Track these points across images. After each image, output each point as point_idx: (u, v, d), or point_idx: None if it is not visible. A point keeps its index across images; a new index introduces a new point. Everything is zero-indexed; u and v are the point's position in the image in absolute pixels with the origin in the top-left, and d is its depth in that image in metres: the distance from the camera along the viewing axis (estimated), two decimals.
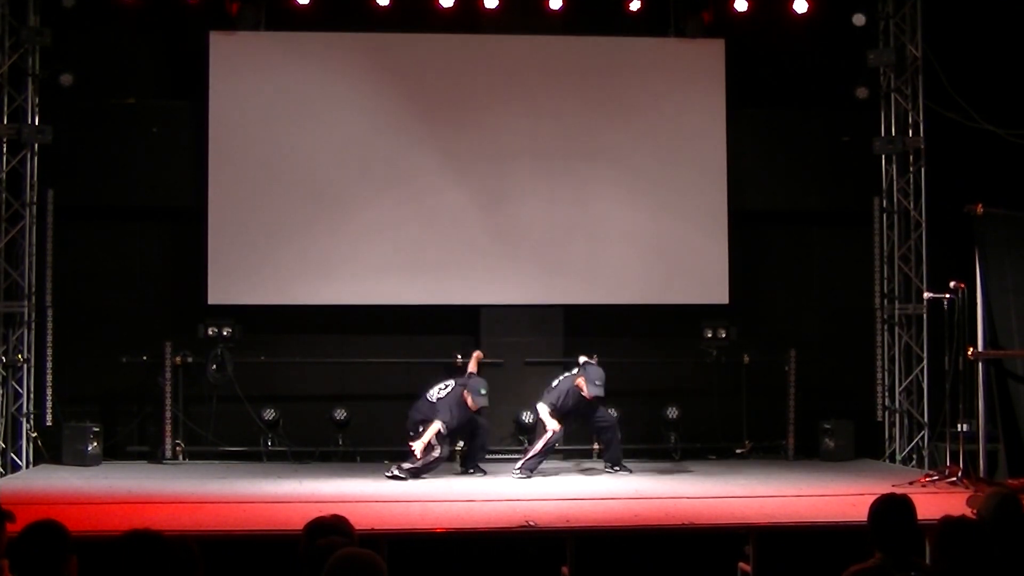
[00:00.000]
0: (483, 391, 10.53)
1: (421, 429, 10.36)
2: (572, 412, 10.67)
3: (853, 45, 12.10)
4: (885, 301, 12.08)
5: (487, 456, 11.00)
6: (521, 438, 11.96)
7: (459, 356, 11.47)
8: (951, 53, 11.88)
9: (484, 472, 10.64)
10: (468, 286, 11.88)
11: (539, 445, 10.53)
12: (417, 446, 10.29)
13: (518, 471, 10.39)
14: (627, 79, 12.16)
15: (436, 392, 10.56)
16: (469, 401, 10.47)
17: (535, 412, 10.77)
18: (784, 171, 12.49)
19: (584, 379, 10.56)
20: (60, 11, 11.39)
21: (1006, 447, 10.54)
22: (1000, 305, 10.73)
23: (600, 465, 11.05)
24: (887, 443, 11.94)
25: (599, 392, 10.52)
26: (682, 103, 12.19)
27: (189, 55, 11.96)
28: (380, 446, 11.77)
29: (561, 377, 10.79)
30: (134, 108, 11.95)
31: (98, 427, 11.32)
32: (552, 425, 10.44)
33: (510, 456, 11.64)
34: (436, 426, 10.31)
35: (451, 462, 11.34)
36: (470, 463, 10.77)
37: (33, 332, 11.37)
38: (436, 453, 10.36)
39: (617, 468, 10.72)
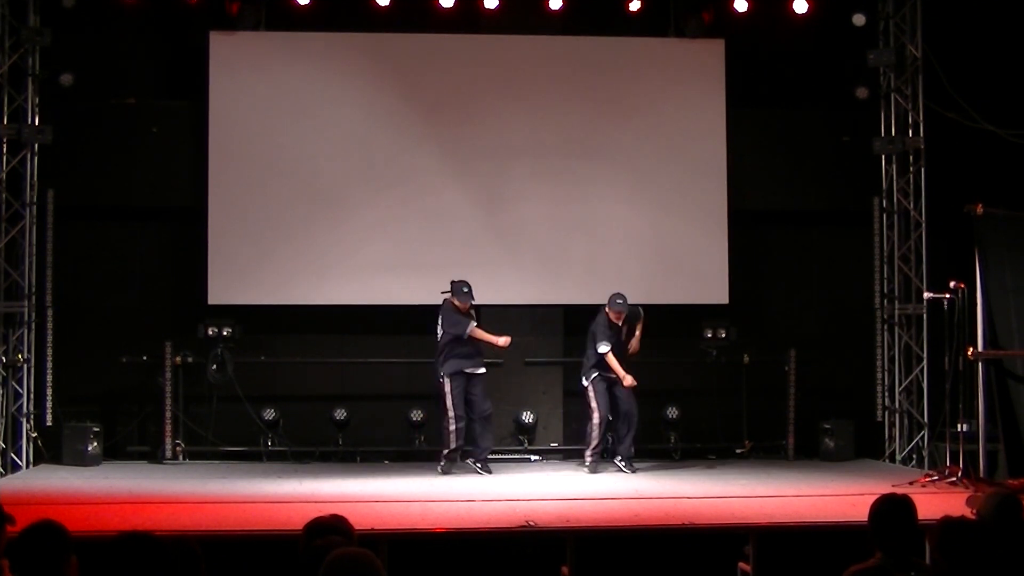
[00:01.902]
0: (465, 289, 10.63)
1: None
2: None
3: (853, 45, 12.10)
4: (885, 301, 12.08)
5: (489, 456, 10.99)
6: (521, 438, 11.97)
7: None
8: (951, 53, 11.87)
9: (490, 472, 10.63)
10: None
11: (594, 433, 10.69)
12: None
13: (588, 467, 10.66)
14: (627, 79, 12.16)
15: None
16: (457, 303, 10.59)
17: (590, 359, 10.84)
18: (784, 171, 12.50)
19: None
20: (60, 11, 11.37)
21: (1006, 447, 10.53)
22: (1000, 305, 10.72)
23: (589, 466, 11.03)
24: (887, 443, 11.94)
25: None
26: (682, 103, 12.20)
27: (189, 55, 11.96)
28: (380, 446, 11.78)
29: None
30: (134, 108, 11.95)
31: (98, 427, 11.31)
32: (621, 372, 10.62)
33: (510, 456, 11.65)
34: (446, 386, 10.57)
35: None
36: (477, 455, 10.78)
37: (33, 332, 11.36)
38: (451, 427, 10.55)
39: (627, 466, 10.75)
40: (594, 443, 10.73)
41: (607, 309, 10.78)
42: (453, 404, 10.56)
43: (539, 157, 12.01)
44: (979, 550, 4.26)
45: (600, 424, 10.71)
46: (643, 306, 11.12)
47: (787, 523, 7.73)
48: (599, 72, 12.14)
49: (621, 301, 10.74)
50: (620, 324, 10.81)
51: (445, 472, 10.54)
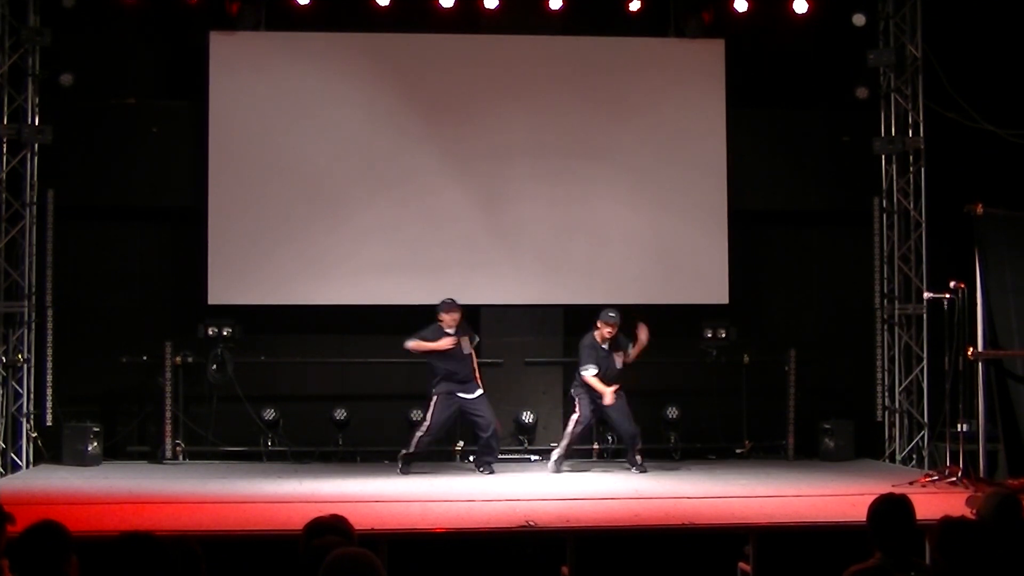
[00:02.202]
0: (448, 300, 10.70)
1: None
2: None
3: (853, 45, 12.10)
4: (885, 301, 12.08)
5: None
6: (521, 438, 11.96)
7: None
8: (951, 53, 11.87)
9: (492, 471, 10.61)
10: (468, 286, 11.85)
11: (568, 431, 10.72)
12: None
13: (550, 466, 10.69)
14: (627, 79, 12.16)
15: None
16: (443, 316, 10.65)
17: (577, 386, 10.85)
18: (784, 171, 12.50)
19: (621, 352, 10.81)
20: (60, 11, 11.37)
21: (1006, 447, 10.54)
22: (1000, 305, 10.73)
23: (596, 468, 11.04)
24: (887, 443, 11.94)
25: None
26: (682, 103, 12.19)
27: (189, 55, 11.96)
28: (380, 446, 11.76)
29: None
30: (134, 108, 11.95)
31: (98, 427, 11.31)
32: (602, 388, 10.59)
33: (510, 456, 11.65)
34: (431, 401, 10.66)
35: (451, 460, 11.37)
36: (478, 461, 10.78)
37: (33, 332, 11.36)
38: (419, 434, 10.58)
39: (640, 469, 10.76)
40: (565, 442, 10.69)
41: (597, 323, 10.71)
42: (432, 418, 10.58)
43: (539, 157, 12.01)
44: (979, 550, 4.26)
45: (577, 424, 10.68)
46: (643, 306, 11.14)
47: (787, 523, 7.73)
48: (599, 72, 12.14)
49: (614, 314, 10.68)
50: (606, 346, 10.71)
51: (403, 472, 10.49)
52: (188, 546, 3.61)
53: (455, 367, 10.62)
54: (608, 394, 10.55)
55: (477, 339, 10.87)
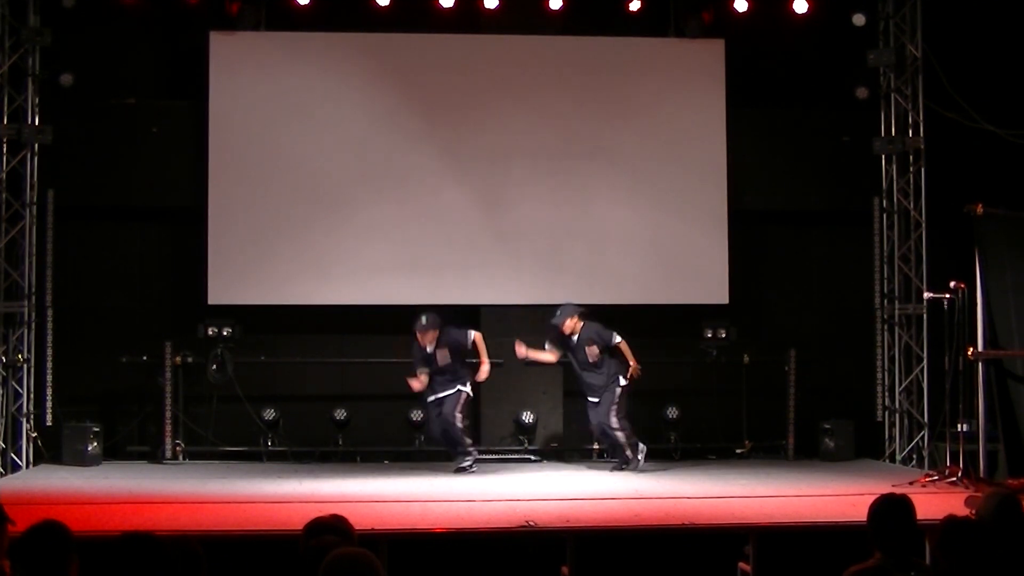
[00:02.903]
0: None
1: None
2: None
3: (853, 45, 12.10)
4: (885, 301, 12.08)
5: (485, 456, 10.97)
6: (521, 438, 11.96)
7: None
8: (951, 53, 11.88)
9: (473, 469, 10.57)
10: (468, 286, 11.88)
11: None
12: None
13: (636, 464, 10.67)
14: (627, 79, 12.16)
15: None
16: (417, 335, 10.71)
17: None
18: (784, 171, 12.50)
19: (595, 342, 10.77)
20: (60, 11, 11.37)
21: (1006, 447, 10.54)
22: (1000, 305, 10.73)
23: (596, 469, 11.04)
24: (887, 443, 11.94)
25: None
26: (682, 103, 12.19)
27: (189, 55, 11.96)
28: (380, 446, 11.78)
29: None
30: (134, 108, 11.95)
31: (98, 427, 11.31)
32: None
33: (510, 456, 11.65)
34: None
35: (450, 460, 11.39)
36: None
37: (33, 332, 11.36)
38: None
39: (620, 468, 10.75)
40: (624, 435, 10.64)
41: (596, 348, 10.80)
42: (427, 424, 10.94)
43: (539, 157, 12.01)
44: (979, 550, 4.26)
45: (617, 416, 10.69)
46: (643, 306, 11.12)
47: (787, 523, 7.72)
48: (599, 72, 12.14)
49: (560, 313, 10.76)
50: (575, 338, 10.73)
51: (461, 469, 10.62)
52: (188, 546, 3.61)
53: (432, 373, 10.68)
54: (518, 349, 10.82)
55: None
